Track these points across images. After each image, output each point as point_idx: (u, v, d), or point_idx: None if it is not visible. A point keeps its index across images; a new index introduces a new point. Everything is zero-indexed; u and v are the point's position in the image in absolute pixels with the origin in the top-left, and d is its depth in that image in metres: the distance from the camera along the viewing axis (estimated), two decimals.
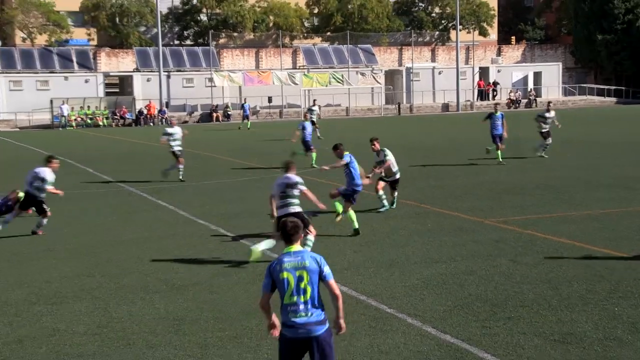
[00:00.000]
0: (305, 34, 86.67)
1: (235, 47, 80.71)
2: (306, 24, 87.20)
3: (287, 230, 7.33)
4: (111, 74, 71.08)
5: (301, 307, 7.15)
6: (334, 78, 72.58)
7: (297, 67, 76.85)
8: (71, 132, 56.95)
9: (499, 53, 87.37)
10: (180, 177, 25.11)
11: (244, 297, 11.52)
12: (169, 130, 26.57)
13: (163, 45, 70.51)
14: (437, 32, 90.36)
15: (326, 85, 71.65)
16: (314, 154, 28.28)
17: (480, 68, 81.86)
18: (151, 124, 62.87)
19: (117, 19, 79.73)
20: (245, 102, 57.49)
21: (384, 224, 17.16)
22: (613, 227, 16.04)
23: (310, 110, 27.92)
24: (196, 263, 13.86)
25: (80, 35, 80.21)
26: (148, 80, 68.91)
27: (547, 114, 29.32)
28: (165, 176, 24.69)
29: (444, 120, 60.48)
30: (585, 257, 13.47)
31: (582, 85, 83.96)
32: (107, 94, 69.04)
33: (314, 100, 32.04)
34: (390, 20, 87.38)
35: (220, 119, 66.58)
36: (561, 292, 11.44)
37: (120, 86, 72.32)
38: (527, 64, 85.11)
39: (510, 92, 78.45)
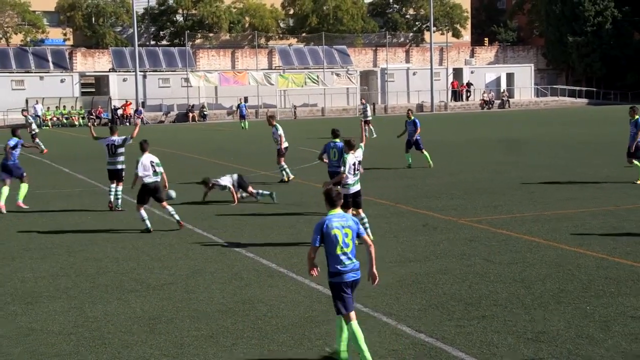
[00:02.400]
0: (281, 35, 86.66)
1: (211, 48, 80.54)
2: (282, 25, 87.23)
3: (332, 197, 9.10)
4: (87, 73, 70.82)
5: (346, 257, 8.98)
6: (310, 79, 72.60)
7: (273, 68, 76.83)
8: (46, 131, 56.50)
9: (472, 54, 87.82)
10: None
11: (220, 296, 11.49)
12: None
13: (139, 46, 70.27)
14: (411, 34, 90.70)
15: (302, 86, 71.71)
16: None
17: (454, 69, 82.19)
18: (127, 123, 62.52)
19: (93, 19, 79.44)
20: (241, 102, 57.71)
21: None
22: (584, 227, 16.13)
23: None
24: (172, 262, 13.80)
25: (55, 35, 79.80)
26: (124, 80, 68.74)
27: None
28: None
29: (421, 119, 60.48)
30: (558, 257, 13.55)
31: (554, 86, 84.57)
32: (83, 93, 68.81)
33: (409, 111, 28.13)
34: (365, 21, 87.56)
35: (197, 119, 66.47)
36: (534, 291, 11.49)
37: (96, 86, 72.02)
38: (500, 65, 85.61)
39: (484, 93, 78.87)
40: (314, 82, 72.65)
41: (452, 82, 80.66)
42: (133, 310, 10.94)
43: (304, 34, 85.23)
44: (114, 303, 11.33)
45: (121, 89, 68.15)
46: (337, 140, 17.76)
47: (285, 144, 24.75)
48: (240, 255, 14.16)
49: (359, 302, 11.02)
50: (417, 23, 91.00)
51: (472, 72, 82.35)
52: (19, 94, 63.50)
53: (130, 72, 68.51)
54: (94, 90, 71.61)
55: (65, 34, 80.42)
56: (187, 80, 69.03)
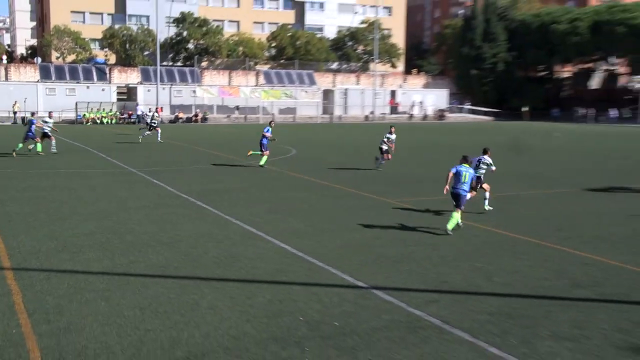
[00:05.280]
0: (265, 61, 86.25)
1: (213, 69, 79.96)
2: (266, 54, 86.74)
3: (466, 158, 13.71)
4: (121, 85, 70.19)
5: (462, 184, 13.35)
6: (285, 94, 72.54)
7: (258, 85, 76.46)
8: (89, 127, 55.81)
9: (404, 80, 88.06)
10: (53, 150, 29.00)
11: (214, 252, 11.45)
12: (47, 119, 29.73)
13: (160, 65, 69.82)
14: (360, 63, 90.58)
15: (279, 99, 71.79)
16: (265, 157, 25.07)
17: (391, 91, 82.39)
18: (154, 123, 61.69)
19: (127, 45, 78.54)
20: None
21: (320, 201, 17.24)
22: (477, 207, 16.30)
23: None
24: (180, 226, 13.75)
25: (99, 56, 78.84)
26: (148, 90, 68.48)
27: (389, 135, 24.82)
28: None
29: (363, 127, 60.72)
30: (460, 229, 13.69)
31: (461, 106, 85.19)
32: (118, 100, 68.16)
33: (391, 127, 25.13)
34: (327, 53, 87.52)
35: (199, 121, 66.15)
36: (440, 251, 11.64)
37: (128, 94, 71.26)
38: (425, 89, 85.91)
39: (411, 108, 79.16)
40: (288, 97, 72.62)
41: (390, 100, 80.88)
42: (149, 260, 10.92)
43: (282, 61, 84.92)
44: (136, 254, 11.29)
45: (146, 97, 67.83)
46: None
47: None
48: (230, 222, 14.18)
49: (316, 258, 11.11)
50: (365, 56, 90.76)
51: (403, 94, 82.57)
52: (70, 99, 63.57)
53: (153, 84, 68.21)
54: (126, 97, 70.81)
55: (106, 55, 79.37)
56: (194, 92, 69.05)
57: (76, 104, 61.53)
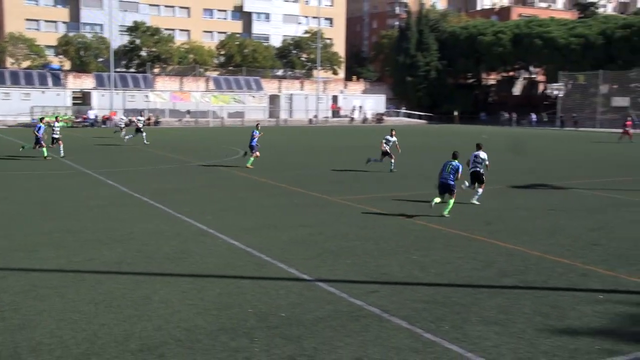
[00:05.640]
0: (215, 68, 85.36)
1: (165, 75, 78.73)
2: (215, 61, 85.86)
3: (455, 154, 14.68)
4: (76, 90, 68.44)
5: (447, 175, 14.44)
6: (234, 99, 71.94)
7: (208, 90, 75.64)
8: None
9: (345, 86, 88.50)
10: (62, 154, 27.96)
11: (166, 248, 11.26)
12: (56, 124, 29.75)
13: (114, 72, 68.39)
14: (304, 70, 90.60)
15: (228, 103, 71.10)
16: (252, 158, 25.05)
17: (333, 96, 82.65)
18: (103, 126, 60.45)
19: (82, 52, 76.54)
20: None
21: (268, 200, 17.13)
22: (413, 204, 16.51)
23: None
24: (133, 224, 13.47)
25: (54, 62, 76.68)
26: (102, 95, 67.02)
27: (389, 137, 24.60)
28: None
29: (307, 130, 60.79)
30: (397, 223, 13.84)
31: (398, 110, 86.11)
32: (74, 104, 66.49)
33: (392, 130, 24.87)
34: (273, 61, 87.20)
35: (152, 125, 65.02)
36: (380, 245, 11.70)
37: (83, 99, 69.56)
38: (364, 95, 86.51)
39: (352, 112, 79.60)
40: (237, 102, 72.03)
41: (332, 105, 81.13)
42: (104, 257, 10.64)
43: (230, 68, 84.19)
44: (91, 252, 10.98)
45: (101, 102, 66.40)
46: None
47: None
48: (182, 220, 13.96)
49: (264, 253, 11.03)
50: (308, 63, 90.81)
51: (344, 99, 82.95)
52: (26, 103, 61.68)
53: (107, 90, 66.70)
54: (81, 102, 69.10)
55: (61, 62, 77.22)
56: (147, 96, 67.75)
57: (31, 108, 59.68)
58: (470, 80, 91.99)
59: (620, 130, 48.58)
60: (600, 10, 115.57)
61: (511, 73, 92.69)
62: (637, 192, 19.41)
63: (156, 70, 79.59)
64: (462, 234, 12.78)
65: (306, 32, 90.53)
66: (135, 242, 11.77)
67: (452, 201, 14.72)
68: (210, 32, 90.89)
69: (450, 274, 9.88)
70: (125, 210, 15.17)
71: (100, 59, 77.80)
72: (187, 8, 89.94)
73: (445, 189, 14.71)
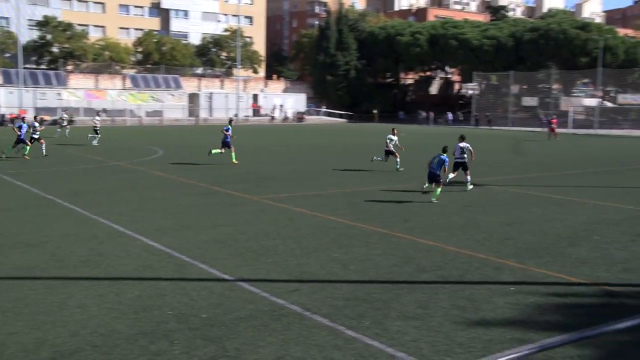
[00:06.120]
0: (132, 65, 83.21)
1: (79, 72, 76.05)
2: (132, 58, 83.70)
3: (444, 149, 17.12)
4: None
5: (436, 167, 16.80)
6: (152, 97, 70.43)
7: (125, 88, 73.64)
8: None
9: (265, 85, 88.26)
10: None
11: (81, 251, 10.91)
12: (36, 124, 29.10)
13: (23, 68, 65.38)
14: (224, 69, 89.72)
15: (146, 102, 69.51)
16: (233, 153, 25.81)
17: (253, 95, 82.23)
18: (10, 125, 57.61)
19: None
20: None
21: (187, 199, 16.86)
22: (333, 202, 16.70)
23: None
24: (46, 226, 12.96)
25: None
26: (11, 92, 63.82)
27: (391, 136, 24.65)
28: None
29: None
30: (318, 222, 13.91)
31: (318, 109, 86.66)
32: None
33: (393, 129, 25.14)
34: (193, 59, 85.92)
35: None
36: (301, 244, 11.74)
37: None
38: (284, 94, 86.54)
39: (272, 111, 79.47)
40: (155, 100, 70.55)
41: (252, 104, 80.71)
42: (15, 262, 10.18)
43: (148, 65, 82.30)
44: (0, 257, 10.49)
45: (8, 99, 63.23)
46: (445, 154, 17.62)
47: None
48: (97, 222, 13.54)
49: (183, 254, 10.85)
50: (228, 62, 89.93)
51: (265, 97, 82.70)
52: None
53: (15, 87, 63.70)
54: None
55: None
56: (60, 94, 65.15)
57: None
58: (389, 80, 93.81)
59: (547, 130, 51.06)
60: (510, 13, 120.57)
61: (428, 73, 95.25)
62: (546, 187, 20.37)
63: (69, 68, 76.75)
64: (382, 231, 13.01)
65: (226, 30, 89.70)
66: (48, 245, 11.33)
67: (439, 189, 17.02)
68: (127, 28, 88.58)
69: (370, 270, 10.04)
70: (37, 212, 14.57)
71: (7, 55, 74.32)
72: (101, 3, 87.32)
73: (432, 179, 17.16)
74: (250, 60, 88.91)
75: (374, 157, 25.12)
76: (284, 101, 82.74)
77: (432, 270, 10.09)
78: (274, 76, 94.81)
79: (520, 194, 18.92)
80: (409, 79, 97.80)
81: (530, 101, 77.76)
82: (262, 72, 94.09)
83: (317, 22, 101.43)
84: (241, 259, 10.64)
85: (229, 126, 26.00)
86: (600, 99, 75.14)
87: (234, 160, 25.74)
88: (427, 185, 17.64)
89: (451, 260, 10.72)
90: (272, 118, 78.14)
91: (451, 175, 19.69)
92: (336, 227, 13.45)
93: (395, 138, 24.73)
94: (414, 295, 8.78)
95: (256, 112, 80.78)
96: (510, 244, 12.11)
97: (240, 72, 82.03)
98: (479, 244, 12.04)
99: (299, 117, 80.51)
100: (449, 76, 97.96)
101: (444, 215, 15.04)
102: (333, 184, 20.37)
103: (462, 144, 19.69)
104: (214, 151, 25.74)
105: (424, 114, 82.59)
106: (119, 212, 14.67)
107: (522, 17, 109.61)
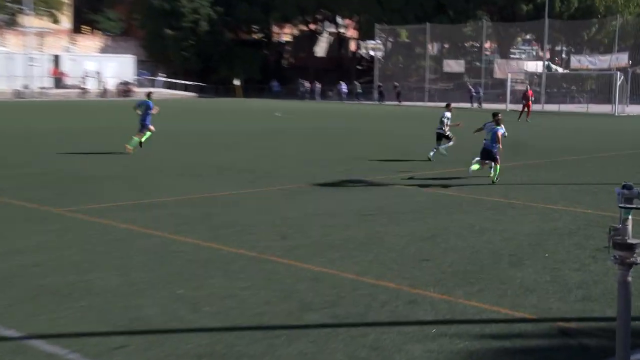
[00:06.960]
0: None
1: None
2: None
3: (496, 118, 21.59)
4: None
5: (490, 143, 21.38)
6: None
7: None
8: None
9: (73, 42, 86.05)
10: None
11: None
12: None
13: None
14: (6, 16, 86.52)
15: None
16: (148, 133, 28.52)
17: (54, 56, 79.92)
18: None
19: None
20: None
21: None
22: (178, 214, 16.50)
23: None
24: None
25: None
26: None
27: (447, 114, 28.15)
28: None
29: (15, 107, 58.01)
30: (155, 244, 13.68)
31: (154, 78, 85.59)
32: None
33: (448, 105, 29.22)
34: None
35: None
36: (131, 277, 11.48)
37: None
38: (102, 55, 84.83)
39: (83, 81, 77.73)
40: None
41: (53, 70, 78.49)
42: None
43: None
44: None
45: None
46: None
47: None
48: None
49: None
50: (12, 5, 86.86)
51: (72, 60, 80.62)
52: None
53: None
54: None
55: None
56: None
57: None
58: (257, 36, 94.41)
59: (521, 107, 53.92)
60: None
61: (312, 26, 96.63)
62: (474, 187, 21.14)
63: None
64: (249, 254, 12.99)
65: None
66: None
67: (497, 167, 21.02)
68: None
69: (233, 312, 9.98)
70: None
71: None
72: None
73: (487, 156, 21.18)
74: (46, 3, 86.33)
75: (435, 150, 27.93)
76: (102, 66, 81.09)
77: (322, 309, 10.18)
78: (86, 29, 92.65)
79: (442, 196, 19.54)
80: (286, 34, 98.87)
81: (454, 66, 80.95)
82: (66, 22, 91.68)
83: None
84: (35, 303, 10.24)
85: (150, 100, 28.64)
86: (547, 62, 79.17)
87: (131, 145, 27.37)
88: (475, 166, 21.40)
89: (348, 293, 10.87)
90: (84, 90, 76.33)
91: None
92: (183, 250, 13.29)
93: (449, 114, 28.23)
94: (296, 346, 8.82)
95: (59, 81, 78.61)
96: (430, 266, 12.45)
97: (32, 21, 79.39)
98: (385, 267, 12.30)
99: (125, 89, 79.17)
100: (341, 31, 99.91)
101: (337, 228, 15.25)
102: (179, 187, 20.18)
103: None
104: (143, 139, 28.00)
105: (306, 84, 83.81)
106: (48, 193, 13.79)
107: None
